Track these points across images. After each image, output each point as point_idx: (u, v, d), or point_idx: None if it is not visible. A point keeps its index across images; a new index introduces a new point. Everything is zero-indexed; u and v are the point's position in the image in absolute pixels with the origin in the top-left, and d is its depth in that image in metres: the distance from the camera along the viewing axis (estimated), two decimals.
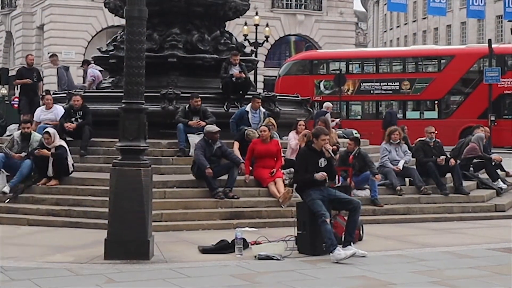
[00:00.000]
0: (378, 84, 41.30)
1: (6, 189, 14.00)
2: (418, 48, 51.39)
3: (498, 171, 18.28)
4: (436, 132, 16.92)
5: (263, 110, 16.94)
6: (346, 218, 11.17)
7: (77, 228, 12.66)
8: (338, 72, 41.14)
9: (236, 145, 15.45)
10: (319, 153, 11.10)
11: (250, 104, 16.86)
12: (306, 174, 11.01)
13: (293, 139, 15.93)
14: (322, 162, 11.07)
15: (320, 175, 10.86)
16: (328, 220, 10.57)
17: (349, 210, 11.05)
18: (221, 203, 13.76)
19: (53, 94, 19.17)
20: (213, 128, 14.41)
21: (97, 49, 21.30)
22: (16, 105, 48.44)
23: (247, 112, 16.60)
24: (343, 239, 10.74)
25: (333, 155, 11.47)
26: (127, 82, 10.41)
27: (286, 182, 14.19)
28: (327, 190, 11.03)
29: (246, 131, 15.55)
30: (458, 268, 9.95)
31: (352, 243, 10.62)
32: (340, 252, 10.19)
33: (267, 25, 45.41)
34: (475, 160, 18.14)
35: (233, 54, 17.83)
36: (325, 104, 26.19)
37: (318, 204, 10.66)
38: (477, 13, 45.15)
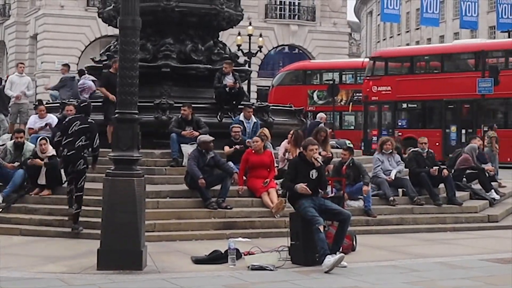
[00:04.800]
0: None
1: None
2: None
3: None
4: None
5: (254, 120, 16.97)
6: None
7: (70, 238, 12.63)
8: (331, 82, 41.23)
9: (226, 148, 15.65)
10: (311, 164, 11.14)
11: (242, 113, 16.93)
12: (294, 183, 11.06)
13: (282, 149, 15.96)
14: (314, 173, 11.10)
15: (301, 187, 10.86)
16: (322, 228, 10.59)
17: (339, 221, 11.07)
18: (214, 213, 13.74)
19: (47, 103, 19.15)
20: (207, 137, 14.42)
21: (91, 59, 21.32)
22: None
23: (242, 122, 16.66)
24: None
25: (321, 163, 11.48)
26: (120, 92, 10.43)
27: (280, 192, 14.18)
28: (318, 200, 11.05)
29: (230, 126, 15.96)
30: (451, 279, 9.96)
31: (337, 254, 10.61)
32: (330, 259, 10.21)
33: (260, 35, 45.47)
34: (468, 171, 18.19)
35: (225, 63, 17.84)
36: (319, 114, 26.23)
37: (311, 211, 10.70)
38: (470, 24, 45.39)
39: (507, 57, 35.72)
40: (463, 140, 33.77)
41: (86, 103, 13.77)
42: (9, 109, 21.71)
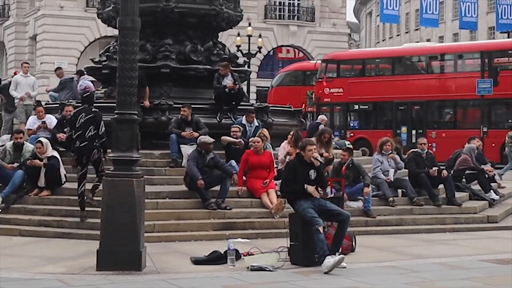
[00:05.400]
0: None
1: None
2: None
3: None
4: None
5: (256, 123, 16.95)
6: None
7: (69, 239, 12.63)
8: None
9: (224, 137, 15.76)
10: (309, 164, 11.13)
11: (244, 116, 16.94)
12: (296, 184, 11.05)
13: (282, 150, 15.96)
14: (312, 173, 11.10)
15: (313, 189, 10.87)
16: (321, 229, 10.59)
17: (338, 222, 11.06)
18: (214, 214, 13.74)
19: (46, 104, 19.14)
20: (208, 139, 14.41)
21: (90, 59, 21.31)
22: None
23: (244, 125, 16.66)
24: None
25: (321, 161, 11.49)
26: (119, 92, 10.42)
27: (279, 193, 14.17)
28: (318, 200, 11.03)
29: (231, 127, 16.06)
30: (451, 280, 9.96)
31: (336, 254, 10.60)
32: (330, 260, 10.20)
33: (260, 36, 45.43)
34: (467, 171, 18.18)
35: (221, 65, 17.79)
36: (320, 116, 26.32)
37: (310, 212, 10.69)
38: (470, 25, 45.38)
39: (455, 60, 36.89)
40: (414, 140, 34.72)
41: (88, 93, 14.18)
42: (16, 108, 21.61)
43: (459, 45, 45.29)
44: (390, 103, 37.62)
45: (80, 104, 17.31)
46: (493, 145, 31.70)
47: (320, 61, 40.88)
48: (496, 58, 35.25)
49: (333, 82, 39.03)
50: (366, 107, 38.97)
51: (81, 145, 13.13)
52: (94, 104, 13.87)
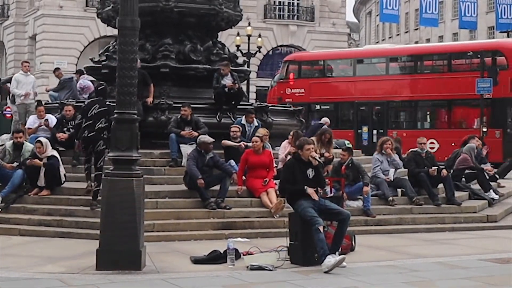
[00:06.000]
0: None
1: None
2: None
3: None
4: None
5: (256, 124, 16.95)
6: None
7: (69, 238, 12.63)
8: None
9: (225, 141, 15.73)
10: (307, 163, 11.13)
11: (244, 116, 16.94)
12: (295, 185, 11.04)
13: (283, 149, 15.96)
14: (310, 172, 11.10)
15: (312, 191, 10.85)
16: (321, 228, 10.58)
17: (338, 221, 11.06)
18: (213, 213, 13.75)
19: (46, 104, 19.12)
20: (208, 138, 14.41)
21: (90, 59, 21.31)
22: (8, 115, 48.22)
23: (244, 125, 16.67)
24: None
25: (320, 161, 11.49)
26: (119, 92, 10.41)
27: (279, 192, 14.17)
28: (318, 200, 11.02)
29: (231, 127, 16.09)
30: (450, 279, 9.96)
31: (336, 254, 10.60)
32: (330, 259, 10.20)
33: (259, 36, 45.43)
34: (467, 171, 18.19)
35: (222, 65, 17.81)
36: (324, 119, 26.39)
37: (310, 211, 10.68)
38: (469, 24, 45.42)
39: (415, 62, 37.66)
40: (375, 140, 35.29)
41: (103, 87, 14.30)
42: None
43: (417, 47, 46.73)
44: (351, 104, 38.53)
45: (80, 103, 17.44)
46: (453, 144, 32.06)
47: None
48: (455, 60, 35.98)
49: (295, 82, 39.75)
50: (328, 107, 39.62)
51: (89, 134, 13.55)
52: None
